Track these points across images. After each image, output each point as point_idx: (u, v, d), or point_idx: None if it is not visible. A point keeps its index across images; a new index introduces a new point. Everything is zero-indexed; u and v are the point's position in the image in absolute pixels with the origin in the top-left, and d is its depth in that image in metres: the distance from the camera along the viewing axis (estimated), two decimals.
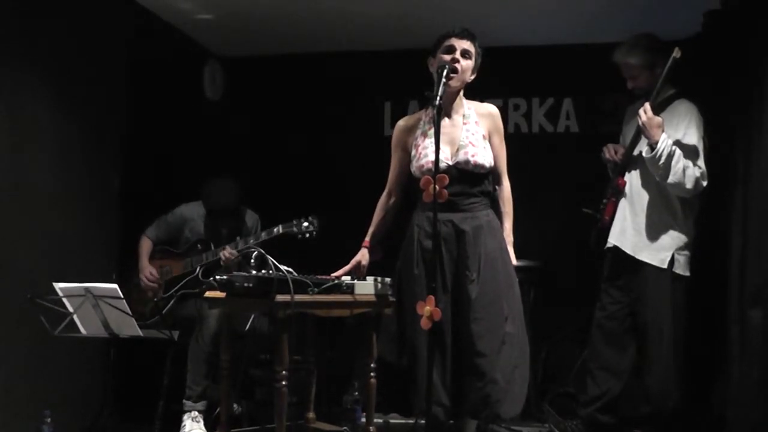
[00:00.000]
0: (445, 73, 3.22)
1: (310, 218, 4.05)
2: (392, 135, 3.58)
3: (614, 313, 4.06)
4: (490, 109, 3.49)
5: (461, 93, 3.43)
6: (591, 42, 5.03)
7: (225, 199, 4.49)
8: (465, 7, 4.48)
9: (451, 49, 3.32)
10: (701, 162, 3.90)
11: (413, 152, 3.44)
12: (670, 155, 3.81)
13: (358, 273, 3.47)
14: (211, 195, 4.50)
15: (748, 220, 3.71)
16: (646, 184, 4.03)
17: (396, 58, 5.27)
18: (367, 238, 3.56)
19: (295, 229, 4.05)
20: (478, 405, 3.21)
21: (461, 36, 3.34)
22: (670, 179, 3.83)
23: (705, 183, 3.89)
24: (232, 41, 5.43)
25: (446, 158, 3.32)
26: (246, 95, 5.69)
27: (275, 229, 4.11)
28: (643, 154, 3.89)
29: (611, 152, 4.17)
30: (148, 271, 4.47)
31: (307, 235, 4.03)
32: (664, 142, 3.81)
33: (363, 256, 3.52)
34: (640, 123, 3.85)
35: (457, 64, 3.30)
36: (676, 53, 3.82)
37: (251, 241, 4.16)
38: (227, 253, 4.21)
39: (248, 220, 4.59)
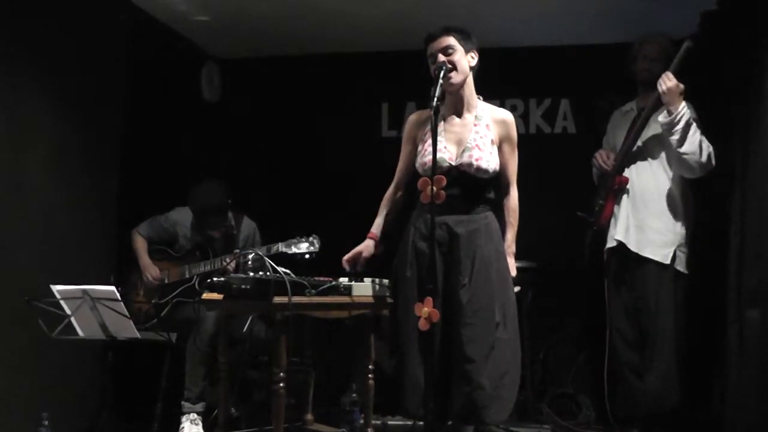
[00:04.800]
0: (442, 73, 3.20)
1: (311, 238, 3.97)
2: (404, 129, 3.54)
3: (627, 315, 4.07)
4: (505, 115, 3.43)
5: (474, 93, 3.40)
6: (588, 43, 5.03)
7: (209, 200, 4.36)
8: (462, 7, 4.49)
9: (434, 58, 3.29)
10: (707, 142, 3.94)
11: (419, 147, 3.41)
12: (689, 123, 3.84)
13: (357, 262, 3.43)
14: (195, 198, 4.39)
15: (746, 220, 3.72)
16: (647, 180, 4.05)
17: (393, 59, 5.27)
18: (374, 230, 3.49)
19: (294, 249, 3.96)
20: (464, 410, 3.19)
21: (434, 38, 3.30)
22: (686, 147, 3.86)
23: (714, 163, 3.92)
24: (230, 43, 5.43)
25: (450, 158, 3.31)
26: (243, 97, 5.69)
27: (274, 247, 4.01)
28: (660, 119, 3.91)
29: (603, 158, 4.19)
30: (153, 269, 4.45)
31: (307, 256, 3.95)
32: (685, 109, 3.84)
33: (367, 247, 3.46)
34: (663, 89, 3.85)
35: (449, 65, 3.25)
36: (689, 43, 3.89)
37: (249, 256, 4.09)
38: (229, 267, 4.14)
39: (244, 228, 4.53)
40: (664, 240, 3.99)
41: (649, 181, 4.05)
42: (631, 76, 4.23)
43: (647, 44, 4.13)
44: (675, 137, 3.85)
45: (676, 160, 3.94)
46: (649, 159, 4.06)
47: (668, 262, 3.97)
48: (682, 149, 3.86)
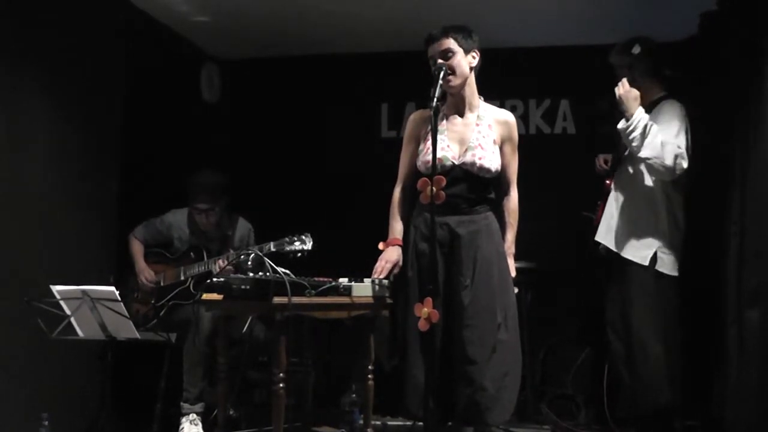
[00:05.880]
0: (441, 74, 3.20)
1: (303, 236, 3.92)
2: (405, 128, 3.52)
3: (619, 311, 4.08)
4: (507, 117, 3.44)
5: (475, 92, 3.40)
6: (588, 43, 5.03)
7: (205, 177, 4.38)
8: (461, 8, 4.49)
9: (434, 60, 3.28)
10: (681, 143, 3.90)
11: (421, 146, 3.40)
12: (646, 128, 3.84)
13: (392, 272, 3.38)
14: (193, 176, 4.41)
15: (745, 220, 3.72)
16: (630, 183, 4.06)
17: (393, 60, 5.27)
18: (398, 236, 3.43)
19: (287, 247, 3.92)
20: (466, 411, 3.19)
21: (434, 41, 3.30)
22: (646, 152, 3.84)
23: (686, 165, 3.90)
24: (230, 44, 5.43)
25: (453, 157, 3.31)
26: (243, 98, 5.69)
27: (266, 246, 3.98)
28: (618, 127, 3.91)
29: (601, 162, 4.24)
30: (147, 272, 4.46)
31: (299, 255, 3.91)
32: (640, 115, 3.85)
33: (399, 255, 3.39)
34: (617, 96, 3.88)
35: (448, 70, 3.25)
36: (635, 49, 3.92)
37: (242, 257, 4.07)
38: (220, 264, 4.12)
39: (239, 229, 4.52)
40: (644, 242, 3.98)
41: (633, 184, 4.06)
42: None
43: (613, 65, 4.16)
44: (634, 144, 3.86)
45: (644, 165, 3.94)
46: (634, 161, 4.07)
47: (647, 263, 3.96)
48: (643, 154, 3.86)
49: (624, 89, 3.87)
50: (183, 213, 4.52)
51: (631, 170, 4.06)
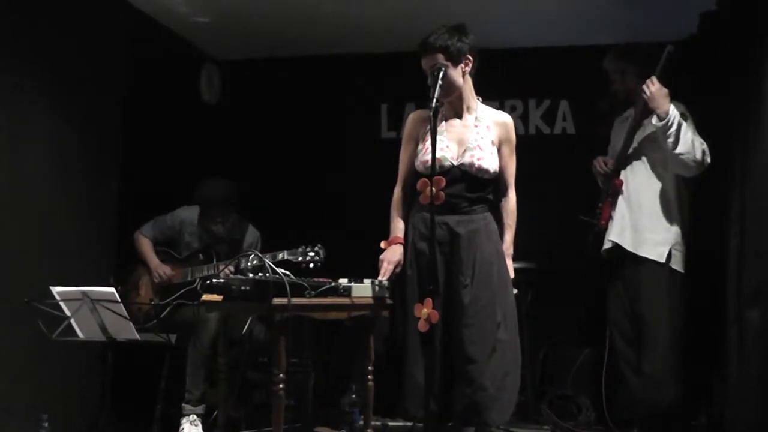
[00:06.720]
0: (441, 75, 3.20)
1: (316, 248, 3.93)
2: (404, 128, 3.52)
3: (625, 313, 4.07)
4: (505, 118, 3.44)
5: (473, 95, 3.40)
6: (587, 44, 5.03)
7: (216, 192, 4.41)
8: (460, 8, 4.48)
9: (426, 71, 3.29)
10: (701, 139, 3.94)
11: (420, 146, 3.40)
12: (680, 123, 3.86)
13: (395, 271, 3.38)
14: (202, 190, 4.43)
15: (745, 221, 3.72)
16: (641, 181, 4.08)
17: (392, 60, 5.26)
18: (399, 234, 3.42)
19: (300, 258, 3.92)
20: (466, 411, 3.18)
21: (424, 54, 3.28)
22: (680, 148, 3.87)
23: (709, 159, 3.93)
24: (229, 44, 5.43)
25: (452, 157, 3.31)
26: (243, 98, 5.69)
27: (279, 255, 3.98)
28: (653, 122, 3.92)
29: (601, 164, 4.25)
30: (164, 268, 4.44)
31: (312, 266, 3.91)
32: (674, 111, 3.87)
33: (401, 254, 3.37)
34: (647, 94, 3.89)
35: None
36: (670, 48, 3.91)
37: (254, 262, 4.07)
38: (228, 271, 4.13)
39: (249, 236, 4.53)
40: (660, 239, 4.01)
41: (644, 182, 4.08)
42: None
43: (607, 70, 4.21)
44: (670, 140, 3.88)
45: (673, 161, 3.96)
46: (644, 160, 4.09)
47: (663, 260, 4.00)
48: (677, 150, 3.88)
49: (655, 87, 3.88)
50: (194, 211, 4.52)
51: (641, 169, 4.07)
